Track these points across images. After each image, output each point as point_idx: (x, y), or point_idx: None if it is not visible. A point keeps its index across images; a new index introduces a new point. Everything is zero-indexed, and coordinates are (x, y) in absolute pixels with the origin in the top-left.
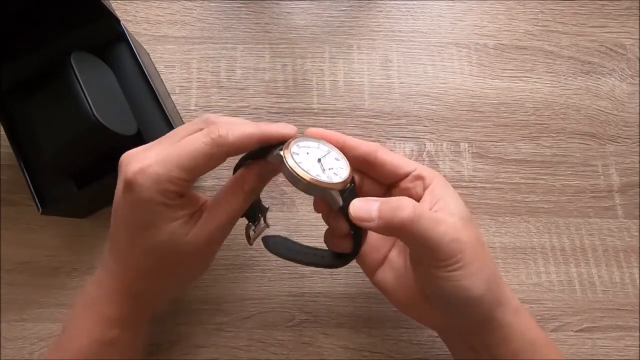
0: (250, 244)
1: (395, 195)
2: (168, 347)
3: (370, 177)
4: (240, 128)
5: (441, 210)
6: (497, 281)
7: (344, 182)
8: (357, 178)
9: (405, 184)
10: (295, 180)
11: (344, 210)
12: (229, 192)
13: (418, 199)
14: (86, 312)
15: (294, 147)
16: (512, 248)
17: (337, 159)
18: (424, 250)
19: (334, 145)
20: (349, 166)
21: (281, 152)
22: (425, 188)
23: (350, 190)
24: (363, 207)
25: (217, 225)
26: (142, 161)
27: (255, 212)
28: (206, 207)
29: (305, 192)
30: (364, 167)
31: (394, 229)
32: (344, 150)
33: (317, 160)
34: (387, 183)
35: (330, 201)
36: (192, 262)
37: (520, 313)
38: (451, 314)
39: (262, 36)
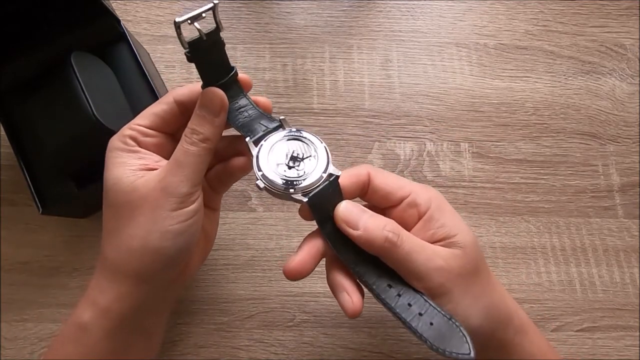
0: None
1: None
2: (168, 347)
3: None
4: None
5: (441, 237)
6: (498, 304)
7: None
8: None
9: (399, 211)
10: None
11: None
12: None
13: (412, 228)
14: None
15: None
16: (512, 248)
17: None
18: (409, 277)
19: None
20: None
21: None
22: (420, 216)
23: (331, 183)
24: (353, 212)
25: (168, 170)
26: None
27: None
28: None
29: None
30: (358, 194)
31: (375, 248)
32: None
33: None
34: (382, 207)
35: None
36: (145, 217)
37: (524, 330)
38: None
39: (262, 36)
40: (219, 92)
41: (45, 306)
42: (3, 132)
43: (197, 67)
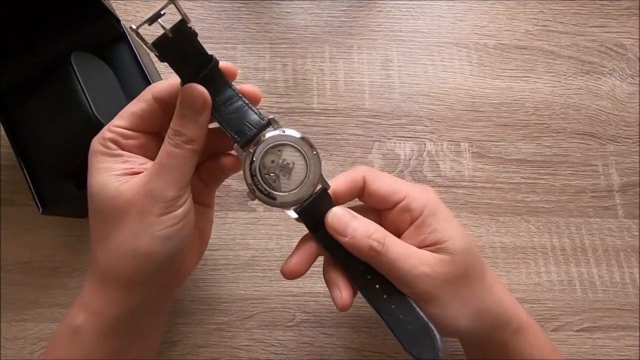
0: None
1: (385, 223)
2: (168, 347)
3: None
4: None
5: (431, 243)
6: (491, 307)
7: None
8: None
9: (394, 214)
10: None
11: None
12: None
13: (404, 232)
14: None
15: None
16: (512, 248)
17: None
18: (396, 283)
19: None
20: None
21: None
22: (412, 221)
23: (322, 194)
24: (343, 218)
25: (152, 173)
26: None
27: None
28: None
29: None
30: (355, 197)
31: (363, 254)
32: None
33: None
34: (379, 209)
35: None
36: (133, 222)
37: (522, 331)
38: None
39: (262, 36)
40: (199, 88)
41: (45, 306)
42: (3, 132)
43: (171, 65)
